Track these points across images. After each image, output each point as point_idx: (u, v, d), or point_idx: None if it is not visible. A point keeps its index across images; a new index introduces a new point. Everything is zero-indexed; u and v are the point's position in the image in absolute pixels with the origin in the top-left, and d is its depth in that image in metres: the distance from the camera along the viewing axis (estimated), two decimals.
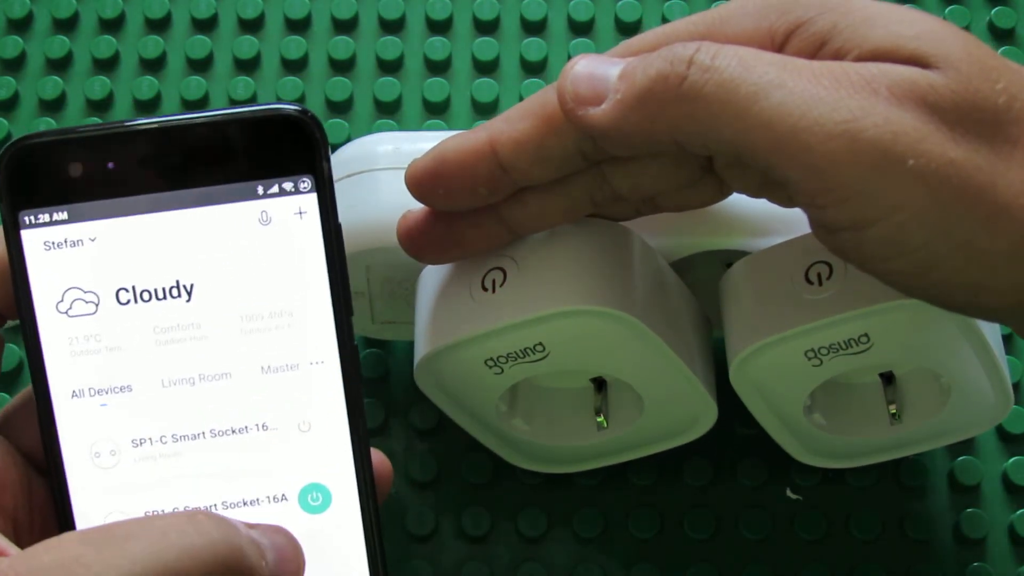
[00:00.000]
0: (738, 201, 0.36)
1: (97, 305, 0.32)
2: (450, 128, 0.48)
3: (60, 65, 0.49)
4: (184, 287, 0.32)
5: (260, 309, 0.32)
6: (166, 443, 0.32)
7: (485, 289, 0.35)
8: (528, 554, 0.42)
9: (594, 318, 0.35)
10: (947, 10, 0.50)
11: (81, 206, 0.31)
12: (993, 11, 0.50)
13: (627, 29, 0.50)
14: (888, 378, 0.39)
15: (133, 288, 0.32)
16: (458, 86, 0.49)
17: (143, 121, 0.31)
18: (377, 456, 0.33)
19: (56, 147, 0.31)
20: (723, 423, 0.42)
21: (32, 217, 0.31)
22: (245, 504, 0.32)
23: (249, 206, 0.32)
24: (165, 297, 0.32)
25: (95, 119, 0.48)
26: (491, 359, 0.36)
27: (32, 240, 0.31)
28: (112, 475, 0.32)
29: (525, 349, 0.36)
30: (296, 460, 0.32)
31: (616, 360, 0.37)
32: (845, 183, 0.28)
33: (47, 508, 0.32)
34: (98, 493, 0.32)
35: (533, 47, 0.49)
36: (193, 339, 0.32)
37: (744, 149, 0.29)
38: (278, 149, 0.31)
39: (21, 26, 0.50)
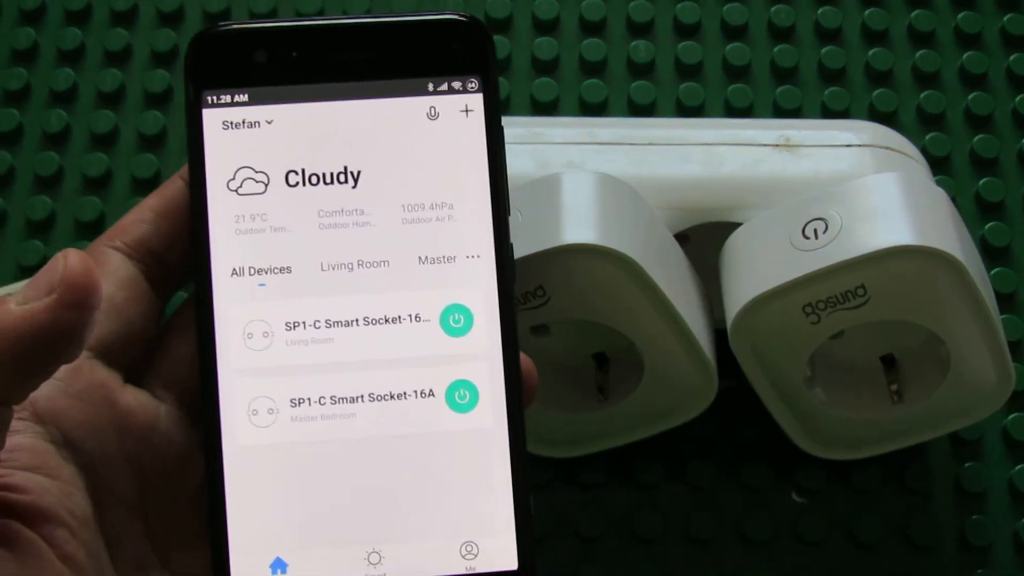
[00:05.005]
0: (735, 173, 0.37)
1: (267, 185, 0.32)
2: None
3: (72, 57, 0.49)
4: (351, 173, 0.32)
5: (422, 200, 0.32)
6: (319, 328, 0.32)
7: None
8: None
9: (591, 258, 0.35)
10: (959, 15, 0.50)
11: (261, 90, 0.32)
12: (1005, 18, 0.50)
13: (639, 29, 0.50)
14: (889, 361, 0.40)
15: (302, 171, 0.32)
16: None
17: (328, 18, 0.33)
18: (524, 359, 0.33)
19: (244, 35, 0.32)
20: (728, 425, 0.42)
21: (215, 97, 0.32)
22: (392, 397, 0.32)
23: (419, 101, 0.33)
24: (332, 182, 0.32)
25: (106, 112, 0.48)
26: None
27: (212, 119, 0.32)
28: (262, 357, 0.32)
29: (526, 294, 0.36)
30: (447, 355, 0.32)
31: (614, 309, 0.37)
32: None
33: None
34: (246, 375, 0.32)
35: (544, 46, 0.49)
36: (355, 224, 0.32)
37: None
38: (450, 51, 0.33)
39: (34, 18, 0.50)
